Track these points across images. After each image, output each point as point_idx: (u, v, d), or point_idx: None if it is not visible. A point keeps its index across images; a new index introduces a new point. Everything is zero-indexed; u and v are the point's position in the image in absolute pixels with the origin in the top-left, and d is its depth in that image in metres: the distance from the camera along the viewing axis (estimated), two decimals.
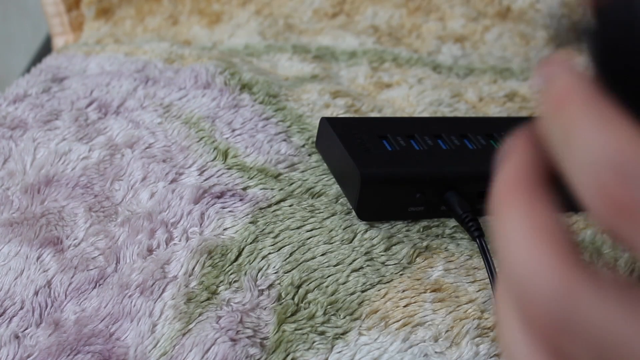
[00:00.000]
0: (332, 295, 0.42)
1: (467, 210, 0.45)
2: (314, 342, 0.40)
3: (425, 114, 0.58)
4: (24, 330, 0.42)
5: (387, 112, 0.57)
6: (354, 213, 0.47)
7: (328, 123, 0.49)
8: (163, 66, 0.62)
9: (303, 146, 0.53)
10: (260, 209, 0.47)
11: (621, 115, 0.19)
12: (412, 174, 0.46)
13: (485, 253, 0.44)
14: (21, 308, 0.43)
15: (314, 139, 0.53)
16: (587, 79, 0.20)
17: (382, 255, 0.44)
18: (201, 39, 0.70)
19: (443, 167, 0.47)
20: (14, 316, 0.42)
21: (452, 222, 0.47)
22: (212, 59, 0.61)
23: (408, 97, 0.60)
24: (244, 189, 0.49)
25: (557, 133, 0.20)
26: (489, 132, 0.51)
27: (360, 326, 0.41)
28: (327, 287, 0.43)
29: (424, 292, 0.42)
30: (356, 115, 0.56)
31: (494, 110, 0.59)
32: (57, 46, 0.75)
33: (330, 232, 0.46)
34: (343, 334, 0.41)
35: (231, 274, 0.43)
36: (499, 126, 0.52)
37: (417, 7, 0.70)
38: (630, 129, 0.18)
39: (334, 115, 0.56)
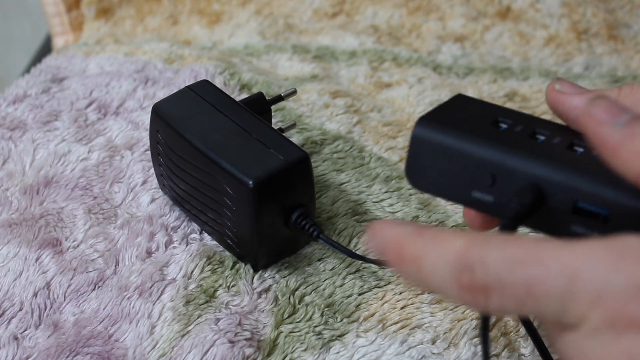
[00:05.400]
0: (329, 297, 0.42)
1: None
2: (311, 343, 0.40)
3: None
4: (23, 331, 0.42)
5: (387, 112, 0.57)
6: (350, 215, 0.47)
7: None
8: (163, 66, 0.62)
9: (302, 146, 0.53)
10: None
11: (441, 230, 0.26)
12: None
13: None
14: (20, 309, 0.43)
15: (313, 138, 0.53)
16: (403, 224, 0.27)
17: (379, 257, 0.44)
18: (201, 39, 0.70)
19: None
20: (13, 317, 0.42)
21: (451, 222, 0.47)
22: (211, 59, 0.61)
23: (408, 97, 0.59)
24: None
25: (410, 272, 0.27)
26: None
27: (357, 328, 0.41)
28: (324, 290, 0.43)
29: (422, 294, 0.42)
30: (356, 115, 0.56)
31: None
32: (57, 46, 0.75)
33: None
34: (340, 335, 0.41)
35: (229, 278, 0.43)
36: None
37: (417, 7, 0.70)
38: (456, 236, 0.25)
39: (334, 115, 0.56)
